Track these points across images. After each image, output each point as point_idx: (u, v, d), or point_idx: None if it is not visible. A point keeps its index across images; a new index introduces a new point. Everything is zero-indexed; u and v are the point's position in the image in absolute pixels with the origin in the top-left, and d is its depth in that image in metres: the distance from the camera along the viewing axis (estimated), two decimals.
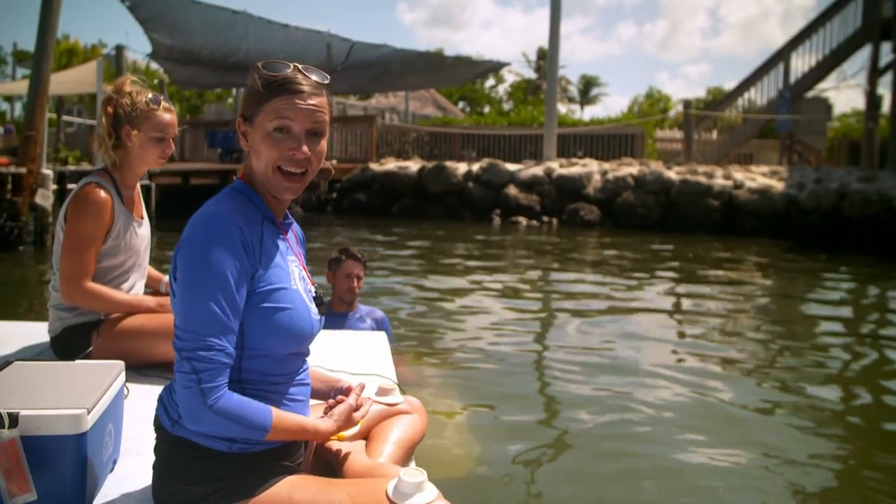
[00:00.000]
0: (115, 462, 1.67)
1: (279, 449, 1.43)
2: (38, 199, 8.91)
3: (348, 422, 1.51)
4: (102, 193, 2.29)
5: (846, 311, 6.73)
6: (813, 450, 3.30)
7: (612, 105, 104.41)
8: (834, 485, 2.96)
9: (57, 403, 1.43)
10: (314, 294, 1.52)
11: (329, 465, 1.60)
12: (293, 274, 1.46)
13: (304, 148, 1.39)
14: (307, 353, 1.53)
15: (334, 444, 1.61)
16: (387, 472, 1.48)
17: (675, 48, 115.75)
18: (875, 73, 15.27)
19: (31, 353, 2.47)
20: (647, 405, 3.76)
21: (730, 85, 19.41)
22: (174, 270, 1.37)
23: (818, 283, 8.21)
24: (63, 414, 1.40)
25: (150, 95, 2.37)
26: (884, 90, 15.88)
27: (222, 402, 1.29)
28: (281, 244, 1.47)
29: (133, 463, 1.69)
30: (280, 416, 1.37)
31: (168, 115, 2.39)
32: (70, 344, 2.33)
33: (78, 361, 1.81)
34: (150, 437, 1.46)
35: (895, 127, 14.89)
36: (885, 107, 15.57)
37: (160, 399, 1.46)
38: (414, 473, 1.35)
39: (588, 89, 49.61)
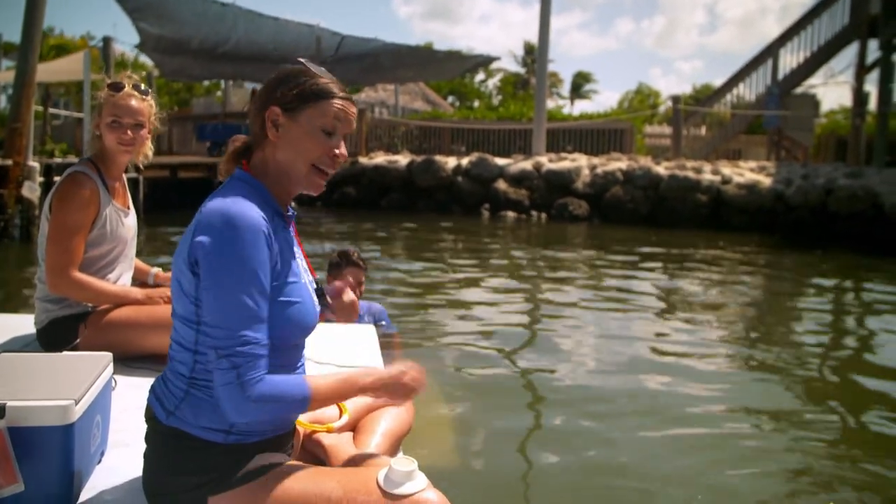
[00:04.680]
0: (102, 453, 1.67)
1: (272, 439, 1.43)
2: (25, 192, 8.84)
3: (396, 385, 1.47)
4: (87, 182, 2.27)
5: (831, 306, 6.79)
6: (798, 445, 3.33)
7: (603, 101, 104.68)
8: (819, 481, 2.99)
9: (44, 394, 1.42)
10: (316, 286, 1.53)
11: (316, 457, 1.60)
12: (300, 267, 1.47)
13: (344, 150, 1.46)
14: (304, 345, 1.54)
15: (322, 436, 1.62)
16: (375, 462, 1.49)
17: (672, 44, 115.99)
18: (862, 70, 15.34)
19: (18, 346, 2.45)
20: (637, 398, 3.79)
21: (721, 81, 19.44)
22: (191, 264, 1.32)
23: (804, 278, 8.27)
24: (50, 405, 1.39)
25: (109, 81, 2.31)
26: (871, 87, 15.99)
27: (259, 389, 1.29)
28: (289, 237, 1.48)
29: (121, 454, 1.69)
30: (316, 382, 1.36)
31: (131, 100, 2.30)
32: (57, 336, 2.31)
33: (65, 353, 1.80)
34: (138, 429, 1.46)
35: (881, 124, 15.01)
36: (872, 104, 15.67)
37: (153, 390, 1.45)
38: (405, 462, 1.35)
39: (580, 85, 49.60)
